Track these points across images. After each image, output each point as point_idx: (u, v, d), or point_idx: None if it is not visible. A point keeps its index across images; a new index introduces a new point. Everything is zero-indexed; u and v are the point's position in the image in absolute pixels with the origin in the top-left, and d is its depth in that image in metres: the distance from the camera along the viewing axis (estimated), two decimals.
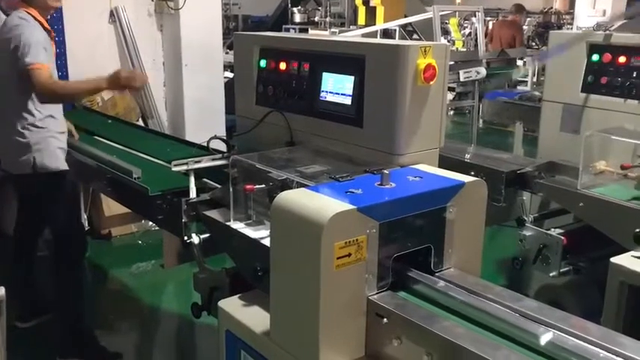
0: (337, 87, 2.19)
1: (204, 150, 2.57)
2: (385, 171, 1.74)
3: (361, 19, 11.30)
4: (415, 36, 10.18)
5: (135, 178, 2.57)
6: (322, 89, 2.25)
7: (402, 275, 1.69)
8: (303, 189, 1.73)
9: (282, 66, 2.40)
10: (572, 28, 8.82)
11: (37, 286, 3.49)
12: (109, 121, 4.28)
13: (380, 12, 10.70)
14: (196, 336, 3.57)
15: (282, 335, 1.67)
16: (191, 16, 5.06)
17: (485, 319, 1.52)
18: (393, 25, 8.87)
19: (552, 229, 2.75)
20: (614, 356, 1.32)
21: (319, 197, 1.63)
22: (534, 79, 8.20)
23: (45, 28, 2.95)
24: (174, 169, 2.32)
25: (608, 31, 3.17)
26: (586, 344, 1.36)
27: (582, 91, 3.19)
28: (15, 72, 2.85)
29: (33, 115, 2.93)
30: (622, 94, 3.02)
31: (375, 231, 1.57)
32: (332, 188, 1.70)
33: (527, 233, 2.78)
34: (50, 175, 2.97)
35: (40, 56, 2.80)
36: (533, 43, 12.39)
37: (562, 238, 2.65)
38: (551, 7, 15.01)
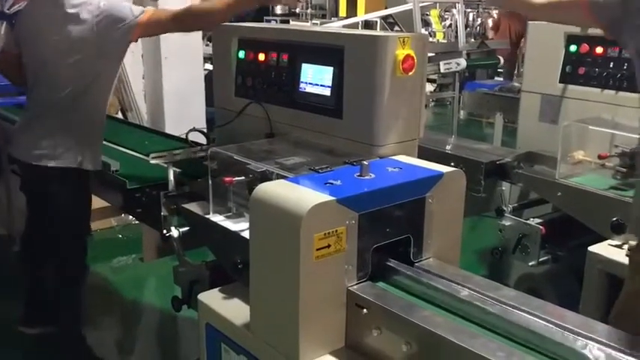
0: (316, 78, 2.18)
1: (184, 142, 2.55)
2: (364, 162, 1.74)
3: (342, 10, 11.30)
4: (396, 28, 10.19)
5: (113, 171, 2.54)
6: (301, 80, 2.24)
7: (382, 266, 1.70)
8: (282, 180, 1.72)
9: (261, 57, 2.38)
10: None
11: (43, 290, 3.17)
12: None
13: (361, 3, 10.72)
14: (177, 329, 3.55)
15: (262, 327, 1.67)
16: (170, 6, 5.00)
17: (463, 309, 1.53)
18: (373, 16, 8.88)
19: (531, 219, 2.78)
20: (589, 342, 1.33)
21: (298, 189, 1.62)
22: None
23: None
24: (152, 161, 2.30)
25: None
26: (562, 331, 1.37)
27: (560, 81, 3.22)
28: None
29: None
30: (599, 84, 3.05)
31: (355, 222, 1.56)
32: (311, 180, 1.69)
33: (507, 223, 2.80)
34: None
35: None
36: None
37: (541, 227, 2.67)
38: None
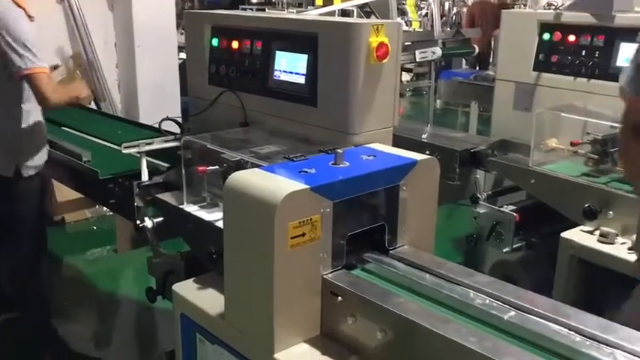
0: (291, 66, 2.17)
1: (157, 132, 2.52)
2: (339, 150, 1.73)
3: None
4: (373, 17, 10.16)
5: (84, 162, 2.50)
6: (276, 68, 2.22)
7: (357, 254, 1.70)
8: (256, 169, 1.71)
9: (235, 45, 2.36)
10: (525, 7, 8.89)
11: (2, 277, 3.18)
12: None
13: None
14: (153, 321, 3.53)
15: (237, 317, 1.66)
16: (145, 10, 4.93)
17: (437, 296, 1.54)
18: (350, 5, 8.83)
19: (505, 206, 2.81)
20: (561, 327, 1.35)
21: (272, 177, 1.61)
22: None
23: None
24: (125, 151, 2.26)
25: (558, 10, 3.23)
26: (532, 316, 1.39)
27: (534, 69, 3.24)
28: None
29: None
30: (572, 72, 3.08)
31: (329, 210, 1.56)
32: (286, 168, 1.68)
33: (481, 210, 2.83)
34: None
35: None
36: None
37: (514, 214, 2.70)
38: None
